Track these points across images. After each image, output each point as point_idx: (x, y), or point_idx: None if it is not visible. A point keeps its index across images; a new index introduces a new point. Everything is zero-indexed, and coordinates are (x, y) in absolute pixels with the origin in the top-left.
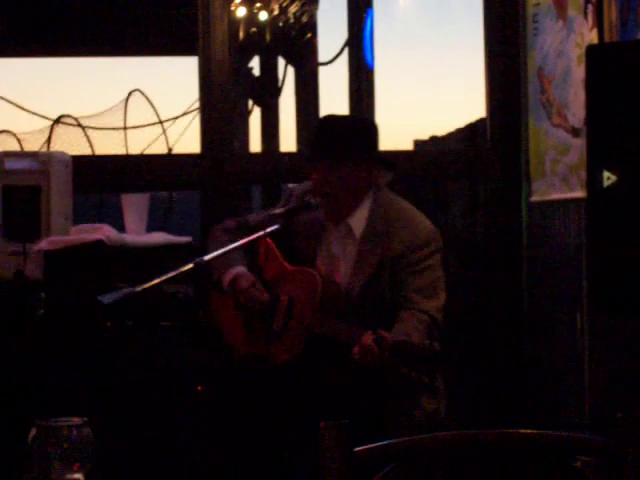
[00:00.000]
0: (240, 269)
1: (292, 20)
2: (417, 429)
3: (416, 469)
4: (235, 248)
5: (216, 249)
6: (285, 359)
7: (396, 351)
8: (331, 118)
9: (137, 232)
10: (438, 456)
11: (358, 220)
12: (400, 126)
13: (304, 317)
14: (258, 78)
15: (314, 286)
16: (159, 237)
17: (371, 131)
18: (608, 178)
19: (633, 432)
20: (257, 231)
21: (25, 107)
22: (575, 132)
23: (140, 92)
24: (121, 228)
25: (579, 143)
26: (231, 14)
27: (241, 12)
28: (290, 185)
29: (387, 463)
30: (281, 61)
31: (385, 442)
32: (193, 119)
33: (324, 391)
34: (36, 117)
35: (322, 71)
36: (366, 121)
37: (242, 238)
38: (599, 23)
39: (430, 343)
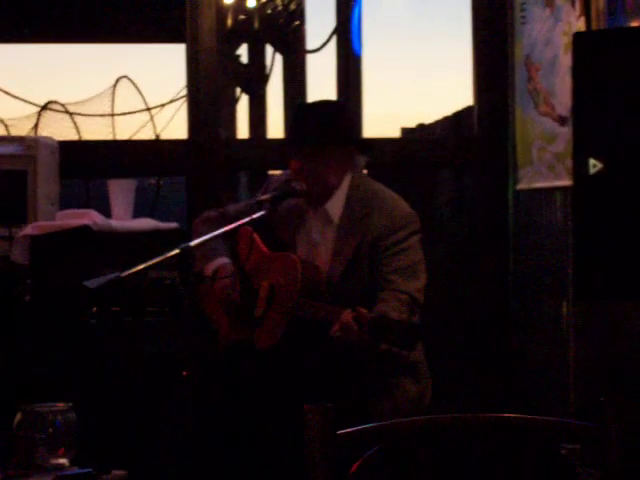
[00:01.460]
0: (222, 260)
1: (280, 7)
2: (400, 412)
3: (400, 452)
4: (217, 237)
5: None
6: (269, 344)
7: (375, 326)
8: (308, 105)
9: (123, 217)
10: (422, 439)
11: (335, 205)
12: (387, 113)
13: (285, 302)
14: (246, 65)
15: (294, 271)
16: (146, 223)
17: (348, 115)
18: (594, 166)
19: (616, 415)
20: (238, 220)
21: (12, 93)
22: (562, 121)
23: (128, 79)
24: (107, 214)
25: (566, 132)
26: (219, 1)
27: None
28: (276, 172)
29: (371, 446)
30: (269, 49)
31: (369, 425)
32: (181, 106)
33: (308, 374)
34: (23, 103)
35: (310, 59)
36: (342, 105)
37: (223, 228)
38: (587, 11)
39: (408, 317)
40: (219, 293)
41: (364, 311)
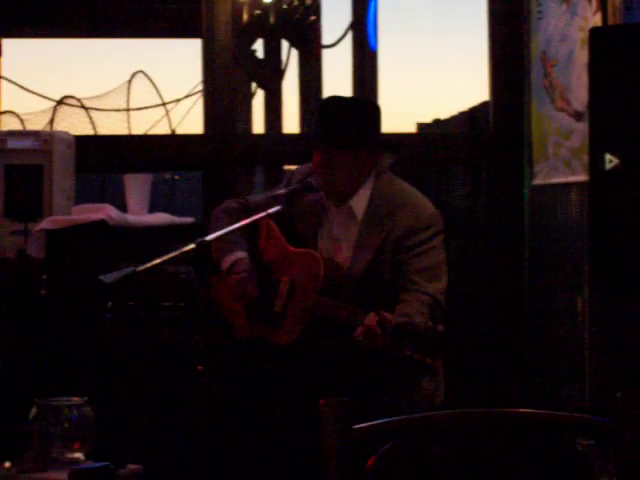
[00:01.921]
0: (240, 254)
1: (296, 2)
2: (414, 408)
3: (415, 447)
4: (236, 229)
5: (217, 230)
6: (287, 341)
7: (399, 333)
8: (335, 100)
9: (139, 212)
10: (437, 434)
11: (360, 202)
12: (403, 109)
13: (306, 299)
14: (262, 61)
15: (316, 268)
16: (161, 217)
17: (375, 114)
18: (610, 161)
19: (632, 411)
20: (258, 212)
21: (28, 88)
22: (578, 116)
23: (143, 74)
24: (123, 208)
25: (582, 127)
26: None
27: None
28: (292, 167)
29: (386, 441)
30: (285, 44)
31: (384, 420)
32: (196, 101)
33: (324, 370)
34: (39, 98)
35: (326, 54)
36: (370, 103)
37: (243, 219)
38: (603, 7)
39: (434, 325)
40: (235, 287)
41: (389, 316)
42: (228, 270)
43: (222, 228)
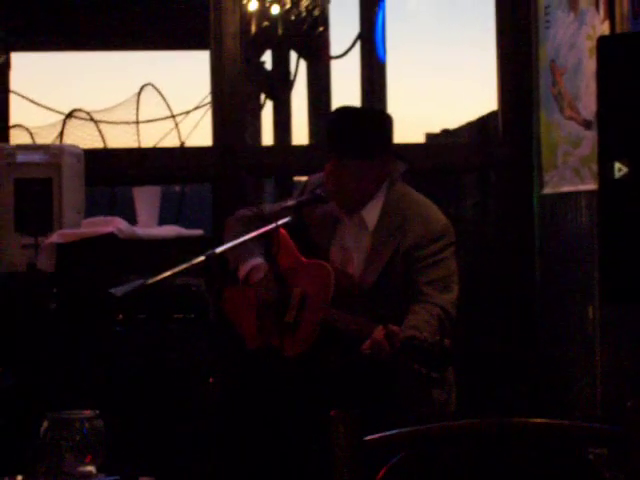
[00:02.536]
0: (257, 260)
1: (304, 14)
2: (425, 419)
3: (426, 458)
4: (249, 239)
5: (231, 239)
6: (297, 352)
7: (406, 347)
8: (347, 111)
9: (149, 225)
10: (448, 445)
11: (371, 212)
12: (412, 119)
13: (317, 310)
14: (270, 72)
15: (327, 280)
16: (171, 230)
17: (387, 124)
18: (619, 169)
19: None
20: (271, 222)
21: (37, 101)
22: (587, 124)
23: (152, 86)
24: (133, 221)
25: (591, 135)
26: (243, 8)
27: (253, 6)
28: (302, 179)
29: (397, 452)
30: (293, 55)
31: (395, 431)
32: (205, 113)
33: (334, 382)
34: (48, 111)
35: (334, 65)
36: (381, 113)
37: (257, 228)
38: (611, 15)
39: (440, 339)
40: (255, 290)
41: (396, 329)
42: (245, 278)
43: (236, 237)
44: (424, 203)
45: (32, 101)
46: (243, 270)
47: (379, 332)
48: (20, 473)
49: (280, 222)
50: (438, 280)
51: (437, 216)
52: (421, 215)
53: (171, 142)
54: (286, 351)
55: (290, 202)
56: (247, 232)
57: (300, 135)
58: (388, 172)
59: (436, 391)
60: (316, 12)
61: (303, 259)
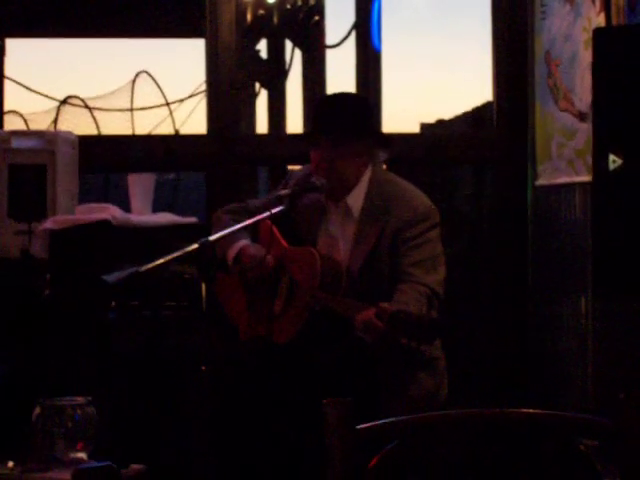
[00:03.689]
0: (244, 242)
1: (300, 3)
2: (416, 405)
3: (418, 447)
4: (238, 229)
5: (219, 231)
6: (286, 338)
7: (394, 320)
8: (329, 97)
9: (143, 212)
10: (441, 434)
11: (356, 198)
12: (406, 109)
13: (305, 296)
14: (265, 61)
15: (314, 266)
16: (165, 217)
17: (368, 108)
18: (614, 161)
19: (635, 411)
20: (259, 214)
21: (32, 88)
22: (582, 116)
23: (147, 74)
24: (127, 208)
25: (585, 127)
26: None
27: None
28: (295, 167)
29: (390, 440)
30: (288, 44)
31: (389, 420)
32: (200, 101)
33: (324, 368)
34: (43, 98)
35: (329, 54)
36: (363, 98)
37: (244, 220)
38: (606, 7)
39: (428, 312)
40: (250, 269)
41: (385, 306)
42: (234, 259)
43: (224, 228)
44: (407, 187)
45: (27, 87)
46: (231, 253)
47: (369, 311)
48: (12, 459)
49: (274, 210)
50: (424, 261)
51: (420, 199)
52: (404, 198)
53: (165, 130)
54: (276, 338)
55: (283, 192)
56: (236, 222)
57: (295, 124)
58: (371, 157)
59: (424, 376)
60: (311, 1)
61: (289, 247)
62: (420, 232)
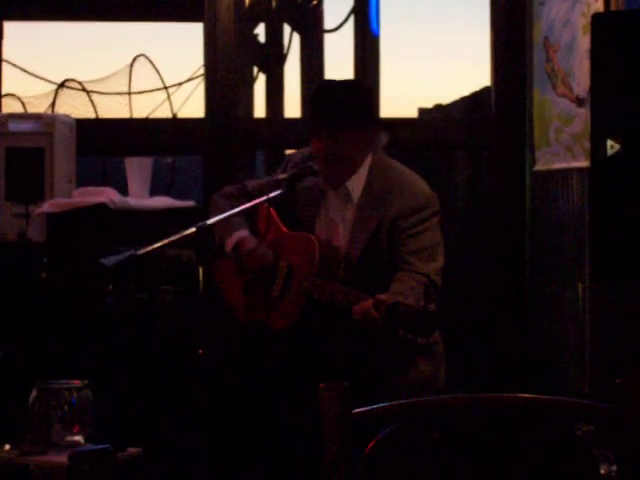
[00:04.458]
0: (243, 233)
1: None
2: (413, 390)
3: (415, 431)
4: (236, 213)
5: (216, 215)
6: (284, 324)
7: (391, 313)
8: (330, 84)
9: (140, 195)
10: (436, 419)
11: (356, 183)
12: (405, 94)
13: (302, 282)
14: (263, 45)
15: (312, 251)
16: (162, 201)
17: (370, 93)
18: (612, 147)
19: (632, 396)
20: (257, 197)
21: (30, 71)
22: (579, 102)
23: (145, 57)
24: (124, 191)
25: (583, 113)
26: None
27: None
28: (293, 151)
29: (386, 425)
30: (287, 28)
31: (384, 404)
32: (198, 85)
33: (322, 354)
34: (41, 81)
35: (328, 38)
36: (363, 84)
37: (242, 204)
38: None
39: (425, 304)
40: (249, 262)
41: (382, 297)
42: (233, 250)
43: (221, 212)
44: (408, 174)
45: (24, 70)
46: (230, 243)
47: (367, 302)
48: (8, 442)
49: (271, 195)
50: (423, 249)
51: (421, 186)
52: (405, 186)
53: (163, 113)
54: (274, 324)
55: (281, 176)
56: (233, 207)
57: (292, 108)
58: (373, 144)
59: (422, 361)
60: None
61: (287, 232)
62: (420, 220)
